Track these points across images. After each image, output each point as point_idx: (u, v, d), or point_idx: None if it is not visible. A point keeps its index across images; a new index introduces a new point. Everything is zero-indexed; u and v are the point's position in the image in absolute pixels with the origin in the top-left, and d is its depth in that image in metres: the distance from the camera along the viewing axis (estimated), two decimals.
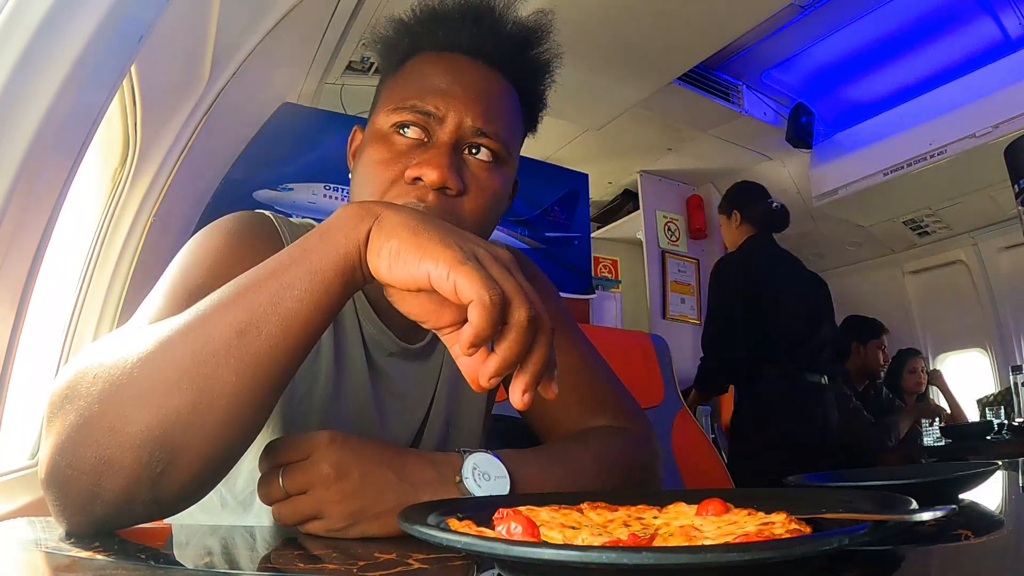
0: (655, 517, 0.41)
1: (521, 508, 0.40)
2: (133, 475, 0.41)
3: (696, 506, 0.42)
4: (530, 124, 0.78)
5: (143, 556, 0.40)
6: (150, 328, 0.45)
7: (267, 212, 0.73)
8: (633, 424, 0.76)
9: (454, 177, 0.63)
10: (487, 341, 0.41)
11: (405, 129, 0.65)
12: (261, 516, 0.69)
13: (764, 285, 2.28)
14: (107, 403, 0.41)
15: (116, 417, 0.41)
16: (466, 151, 0.66)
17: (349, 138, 0.76)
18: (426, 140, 0.65)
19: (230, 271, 0.57)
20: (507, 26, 0.71)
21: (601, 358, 0.83)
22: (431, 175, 0.62)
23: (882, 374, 2.98)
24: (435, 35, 0.69)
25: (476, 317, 0.40)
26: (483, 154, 0.66)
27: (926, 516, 0.31)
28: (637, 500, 0.45)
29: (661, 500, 0.44)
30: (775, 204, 2.51)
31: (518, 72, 0.72)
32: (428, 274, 0.41)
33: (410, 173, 0.63)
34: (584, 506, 0.43)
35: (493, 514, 0.40)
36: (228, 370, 0.42)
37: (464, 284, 0.40)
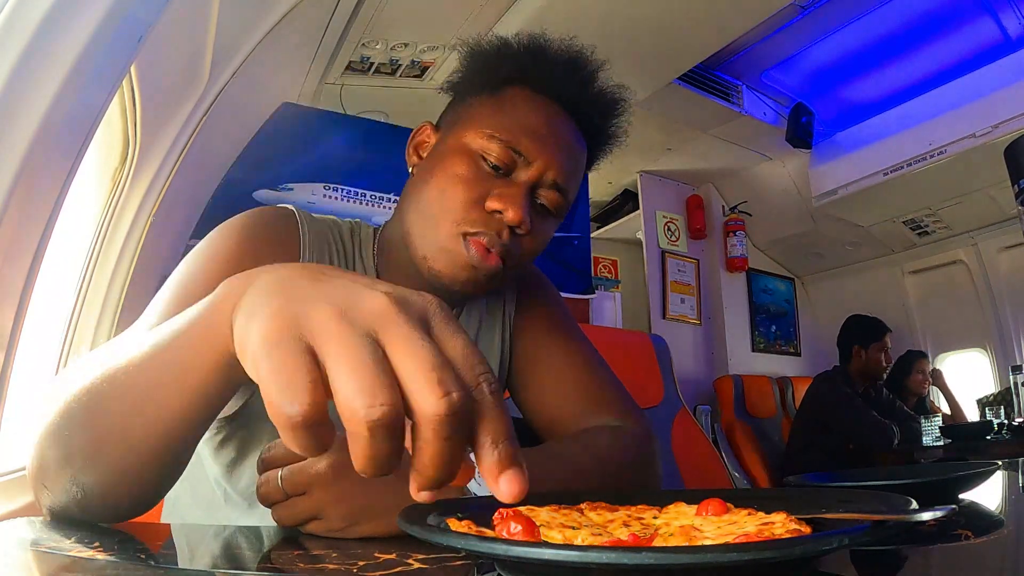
0: (655, 517, 0.42)
1: (521, 508, 0.40)
2: (62, 499, 0.45)
3: (696, 506, 0.42)
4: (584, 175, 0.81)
5: (143, 556, 0.40)
6: (96, 365, 0.43)
7: (291, 207, 0.74)
8: (632, 423, 0.77)
9: (528, 220, 0.66)
10: (378, 460, 0.27)
11: (491, 158, 0.67)
12: (264, 514, 0.69)
13: None
14: (44, 431, 0.45)
15: (43, 445, 0.45)
16: (537, 199, 0.69)
17: (415, 131, 0.76)
18: (504, 176, 0.68)
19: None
20: (600, 91, 0.75)
21: (599, 356, 0.85)
22: (512, 214, 0.65)
23: (884, 376, 2.97)
24: (540, 75, 0.71)
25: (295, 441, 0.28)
26: (550, 204, 0.70)
27: (926, 516, 0.31)
28: (637, 500, 0.45)
29: (661, 500, 0.44)
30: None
31: (595, 137, 0.76)
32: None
33: (492, 204, 0.66)
34: (584, 506, 0.43)
35: (493, 514, 0.40)
36: (123, 444, 0.43)
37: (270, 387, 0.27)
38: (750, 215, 3.89)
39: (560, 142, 0.70)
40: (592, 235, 3.32)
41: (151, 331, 0.42)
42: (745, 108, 3.05)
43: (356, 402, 0.26)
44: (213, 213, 1.88)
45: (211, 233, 0.68)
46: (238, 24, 1.46)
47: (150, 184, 1.44)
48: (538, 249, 0.71)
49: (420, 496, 0.29)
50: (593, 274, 3.22)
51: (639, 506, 0.44)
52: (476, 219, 0.66)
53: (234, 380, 0.38)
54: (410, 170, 0.74)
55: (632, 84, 2.70)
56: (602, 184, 3.89)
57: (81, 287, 1.38)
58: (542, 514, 0.40)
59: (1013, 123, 2.59)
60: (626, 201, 4.00)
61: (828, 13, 2.54)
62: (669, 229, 3.80)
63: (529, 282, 0.87)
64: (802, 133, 3.17)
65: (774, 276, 4.16)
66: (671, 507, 0.43)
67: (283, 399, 0.26)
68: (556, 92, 0.72)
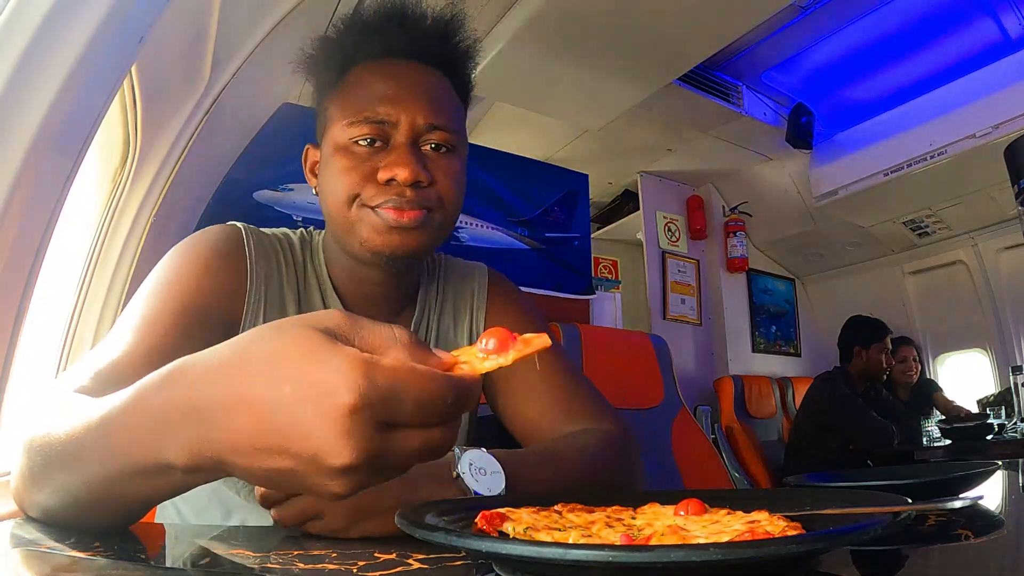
0: (632, 518, 0.41)
1: (501, 510, 0.40)
2: (48, 512, 0.47)
3: (672, 507, 0.42)
4: (466, 103, 0.82)
5: (143, 556, 0.40)
6: (64, 425, 0.44)
7: (239, 225, 0.77)
8: (610, 424, 0.79)
9: (422, 171, 0.69)
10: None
11: (363, 140, 0.70)
12: (264, 515, 0.69)
13: None
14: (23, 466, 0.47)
15: (28, 484, 0.47)
16: (424, 146, 0.72)
17: (303, 156, 0.79)
18: (384, 146, 0.70)
19: (190, 293, 0.67)
20: (427, 22, 0.75)
21: (572, 362, 0.87)
22: (403, 173, 0.68)
23: (885, 377, 2.96)
24: (366, 45, 0.73)
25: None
26: (440, 142, 0.72)
27: (957, 504, 0.31)
28: (611, 501, 0.45)
29: (634, 501, 0.44)
30: None
31: (447, 63, 0.77)
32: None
33: (382, 175, 0.69)
34: (559, 507, 0.43)
35: (475, 516, 0.40)
36: (86, 509, 0.45)
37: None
38: (750, 215, 3.89)
39: (414, 89, 0.72)
40: (592, 235, 3.32)
41: (110, 417, 0.40)
42: (745, 108, 3.05)
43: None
44: (213, 213, 1.88)
45: (165, 258, 0.71)
46: (238, 25, 1.46)
47: (150, 184, 1.44)
48: (456, 188, 0.73)
49: None
50: (593, 274, 3.22)
51: (614, 507, 0.44)
52: (374, 192, 0.69)
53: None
54: (314, 191, 0.77)
55: (632, 84, 2.70)
56: (602, 184, 3.89)
57: (81, 287, 1.38)
58: (523, 516, 0.39)
59: (1013, 123, 2.59)
60: (626, 201, 4.00)
61: (828, 13, 2.54)
62: (669, 229, 3.80)
63: (500, 290, 0.89)
64: (802, 133, 3.16)
65: (774, 276, 4.16)
66: (646, 508, 0.43)
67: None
68: (388, 49, 0.73)
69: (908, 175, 3.02)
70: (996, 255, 3.42)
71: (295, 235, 0.81)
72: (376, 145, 0.70)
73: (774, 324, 4.07)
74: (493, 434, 0.90)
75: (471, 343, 0.81)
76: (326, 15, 1.95)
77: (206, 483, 0.39)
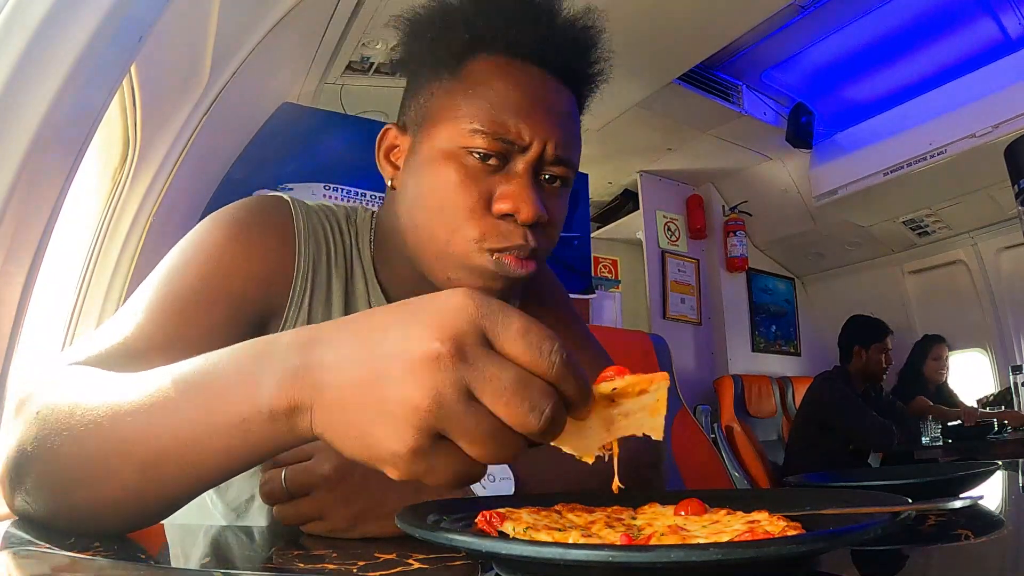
0: (632, 518, 0.41)
1: (501, 510, 0.40)
2: (40, 514, 0.43)
3: (672, 507, 0.42)
4: None
5: (143, 556, 0.40)
6: (94, 410, 0.40)
7: (286, 196, 0.68)
8: None
9: (544, 211, 0.59)
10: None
11: (480, 153, 0.59)
12: (258, 519, 0.69)
13: None
14: (35, 448, 0.41)
15: (32, 464, 0.42)
16: (541, 176, 0.62)
17: (380, 136, 0.67)
18: (501, 166, 0.60)
19: (227, 274, 0.58)
20: (566, 26, 0.65)
21: (609, 358, 0.81)
22: (526, 211, 0.58)
23: (884, 377, 2.96)
24: (498, 35, 0.61)
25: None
26: (559, 180, 0.63)
27: (958, 504, 0.31)
28: (611, 501, 0.45)
29: (635, 501, 0.44)
30: None
31: (577, 80, 0.67)
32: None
33: (501, 207, 0.59)
34: (560, 507, 0.43)
35: (475, 516, 0.40)
36: (132, 505, 0.41)
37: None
38: (750, 215, 3.89)
39: (549, 109, 0.61)
40: (592, 235, 3.32)
41: (163, 382, 0.38)
42: (745, 108, 3.05)
43: (498, 452, 0.32)
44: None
45: (201, 223, 0.63)
46: (238, 24, 1.46)
47: (150, 184, 1.44)
48: (561, 226, 0.64)
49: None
50: (593, 274, 3.22)
51: (613, 507, 0.44)
52: (492, 231, 0.59)
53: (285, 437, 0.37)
54: (388, 183, 0.66)
55: (632, 84, 2.69)
56: (602, 184, 3.89)
57: (81, 287, 1.38)
58: (523, 516, 0.39)
59: (1013, 123, 2.59)
60: (626, 201, 4.00)
61: (828, 13, 2.54)
62: (669, 229, 3.80)
63: (538, 281, 0.80)
64: (802, 133, 3.17)
65: (774, 276, 4.16)
66: (646, 508, 0.43)
67: (467, 469, 0.32)
68: (522, 47, 0.62)
69: (908, 175, 3.02)
70: (996, 255, 3.42)
71: (340, 212, 0.71)
72: (491, 163, 0.59)
73: (774, 324, 4.08)
74: None
75: None
76: (326, 15, 1.95)
77: (281, 448, 0.37)
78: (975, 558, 0.41)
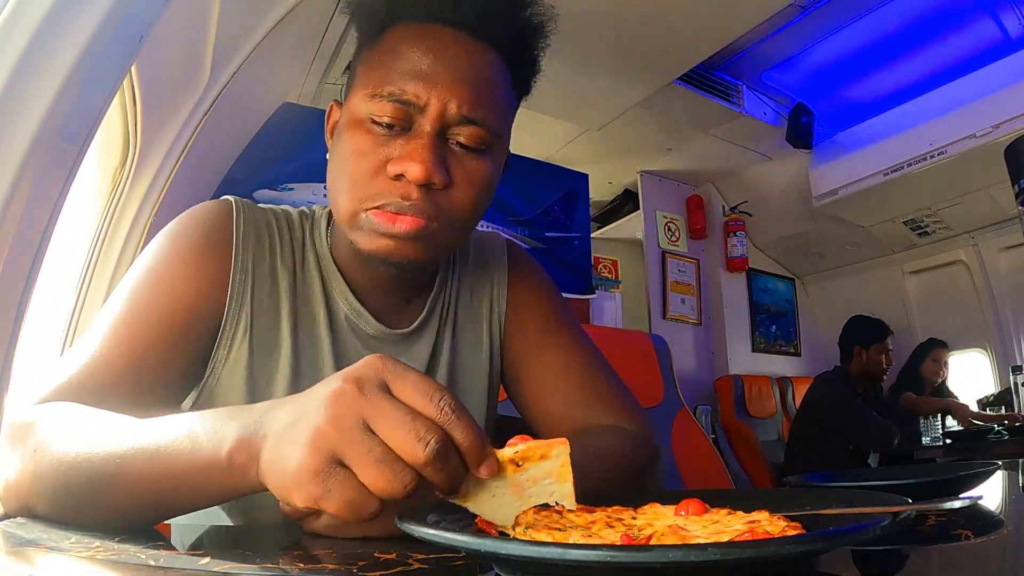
0: (633, 518, 0.41)
1: None
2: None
3: (672, 507, 0.42)
4: (523, 92, 0.70)
5: (143, 556, 0.40)
6: (77, 448, 0.47)
7: (231, 199, 0.70)
8: (634, 424, 0.75)
9: (439, 171, 0.58)
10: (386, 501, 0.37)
11: (382, 119, 0.59)
12: (261, 519, 0.69)
13: None
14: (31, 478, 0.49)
15: (29, 491, 0.50)
16: (451, 140, 0.61)
17: (327, 112, 0.69)
18: (405, 131, 0.60)
19: (173, 293, 0.62)
20: None
21: (602, 356, 0.82)
22: (414, 171, 0.57)
23: (884, 377, 2.96)
24: (414, 2, 0.61)
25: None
26: (469, 140, 0.61)
27: (956, 504, 0.31)
28: (611, 501, 0.45)
29: (635, 501, 0.44)
30: None
31: (508, 39, 0.64)
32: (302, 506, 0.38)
33: (392, 168, 0.58)
34: (561, 507, 0.43)
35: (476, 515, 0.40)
36: (119, 520, 0.48)
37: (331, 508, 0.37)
38: (750, 215, 3.89)
39: (453, 69, 0.59)
40: (592, 235, 3.32)
41: (152, 433, 0.46)
42: (745, 108, 3.05)
43: (391, 480, 0.36)
44: None
45: (153, 240, 0.66)
46: (238, 24, 1.46)
47: (150, 184, 1.44)
48: (479, 195, 0.63)
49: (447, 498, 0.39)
50: (593, 274, 3.22)
51: (614, 507, 0.44)
52: (377, 191, 0.59)
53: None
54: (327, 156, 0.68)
55: (632, 84, 2.69)
56: (602, 184, 3.89)
57: (81, 287, 1.39)
58: (524, 515, 0.39)
59: (1013, 123, 2.59)
60: (626, 201, 4.00)
61: (828, 13, 2.54)
62: (669, 229, 3.80)
63: (522, 271, 0.81)
64: (802, 133, 3.17)
65: (774, 276, 4.16)
66: (647, 508, 0.43)
67: (362, 499, 0.36)
68: (438, 13, 0.61)
69: (908, 175, 3.02)
70: (996, 255, 3.42)
71: (295, 212, 0.74)
72: (395, 129, 0.59)
73: (774, 324, 4.07)
74: (509, 433, 0.89)
75: (490, 332, 0.79)
76: (326, 15, 1.95)
77: (237, 494, 0.43)
78: (975, 558, 0.41)
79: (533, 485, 0.38)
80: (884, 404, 2.98)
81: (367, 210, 0.60)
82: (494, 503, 0.39)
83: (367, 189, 0.60)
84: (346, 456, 0.36)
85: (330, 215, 0.73)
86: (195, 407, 0.66)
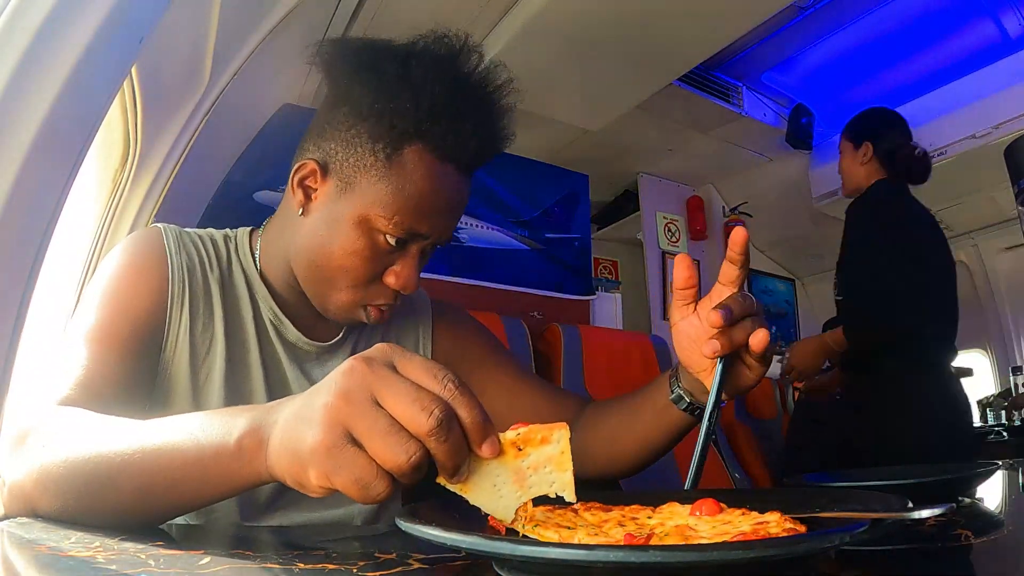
0: (649, 517, 0.42)
1: (517, 508, 0.40)
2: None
3: (690, 506, 0.42)
4: None
5: (143, 556, 0.40)
6: (83, 452, 0.50)
7: (160, 226, 0.79)
8: (580, 399, 0.89)
9: (417, 283, 0.74)
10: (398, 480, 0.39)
11: (392, 240, 0.71)
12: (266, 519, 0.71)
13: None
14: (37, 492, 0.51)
15: (39, 495, 0.52)
16: (424, 251, 0.75)
17: (298, 165, 0.75)
18: (401, 247, 0.73)
19: (126, 307, 0.71)
20: (488, 130, 0.73)
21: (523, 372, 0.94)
22: (410, 288, 0.73)
23: None
24: (436, 136, 0.69)
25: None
26: (432, 251, 0.77)
27: (925, 514, 0.31)
28: (631, 500, 0.45)
29: (655, 500, 0.44)
30: (919, 151, 1.93)
31: (475, 169, 0.77)
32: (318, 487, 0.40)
33: (391, 281, 0.73)
34: (578, 506, 0.43)
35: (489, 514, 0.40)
36: (126, 515, 0.50)
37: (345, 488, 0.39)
38: (750, 216, 3.89)
39: (454, 209, 0.74)
40: (592, 236, 3.32)
41: (160, 429, 0.48)
42: (745, 109, 3.05)
43: (397, 451, 0.37)
44: (213, 214, 1.88)
45: (100, 264, 0.75)
46: (239, 25, 1.46)
47: (151, 185, 1.44)
48: None
49: (447, 484, 0.39)
50: (593, 275, 3.22)
51: (633, 506, 0.44)
52: (374, 293, 0.74)
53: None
54: (298, 209, 0.75)
55: (632, 84, 2.68)
56: (602, 185, 3.89)
57: (81, 288, 1.38)
58: (537, 513, 0.40)
59: (1013, 124, 2.59)
60: (626, 202, 3.99)
61: (828, 14, 2.54)
62: (669, 230, 3.80)
63: (448, 319, 0.94)
64: (802, 134, 3.16)
65: (774, 277, 4.16)
66: (664, 507, 0.43)
67: (371, 477, 0.37)
68: (456, 157, 0.71)
69: None
70: (996, 255, 3.41)
71: (219, 234, 0.84)
72: (394, 244, 0.72)
73: (774, 325, 4.07)
74: None
75: None
76: (326, 15, 1.95)
77: (244, 484, 0.45)
78: (975, 558, 0.41)
79: (534, 473, 0.39)
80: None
81: (366, 306, 0.75)
82: (494, 493, 0.39)
83: (367, 292, 0.74)
84: (355, 429, 0.38)
85: (252, 236, 0.83)
86: (151, 403, 0.72)
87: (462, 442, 0.38)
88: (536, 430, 0.38)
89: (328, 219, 0.72)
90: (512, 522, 0.39)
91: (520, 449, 0.38)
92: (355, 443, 0.38)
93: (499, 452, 0.38)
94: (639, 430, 0.77)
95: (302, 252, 0.75)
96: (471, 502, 0.39)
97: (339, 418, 0.38)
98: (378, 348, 0.41)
